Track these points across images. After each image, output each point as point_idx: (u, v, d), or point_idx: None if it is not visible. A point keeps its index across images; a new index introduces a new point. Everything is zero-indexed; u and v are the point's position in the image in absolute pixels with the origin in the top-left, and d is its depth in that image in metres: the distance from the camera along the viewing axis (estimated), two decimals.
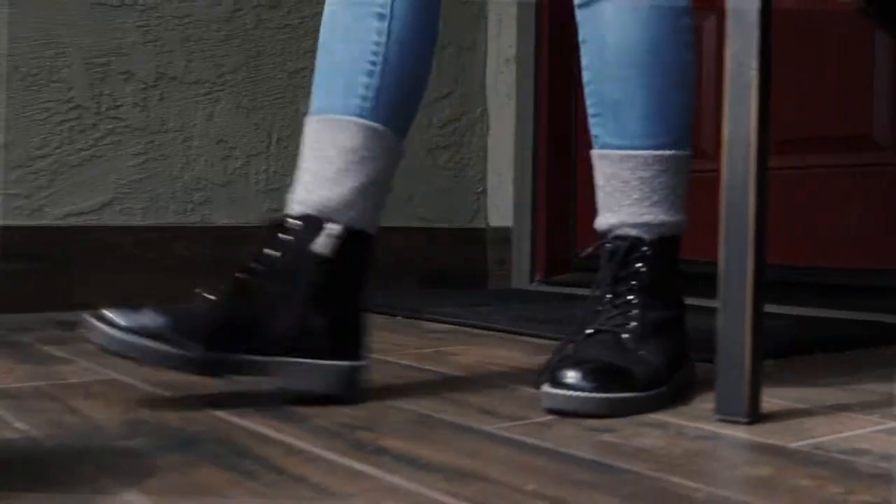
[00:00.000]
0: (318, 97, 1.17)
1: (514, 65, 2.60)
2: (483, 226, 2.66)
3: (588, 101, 1.19)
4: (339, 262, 1.09)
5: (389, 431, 0.94)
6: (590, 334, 1.11)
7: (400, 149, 1.17)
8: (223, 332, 1.04)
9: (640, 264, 1.13)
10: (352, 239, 1.10)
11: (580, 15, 1.17)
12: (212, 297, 1.07)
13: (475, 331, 1.74)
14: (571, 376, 1.02)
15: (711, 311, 1.02)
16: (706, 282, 2.12)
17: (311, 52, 2.33)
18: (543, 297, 2.28)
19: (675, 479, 0.77)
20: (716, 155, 2.24)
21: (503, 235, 2.63)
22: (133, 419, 0.98)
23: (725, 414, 0.98)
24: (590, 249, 1.24)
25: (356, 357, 1.10)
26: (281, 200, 2.24)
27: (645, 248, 1.13)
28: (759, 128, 0.97)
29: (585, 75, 1.18)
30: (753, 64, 0.97)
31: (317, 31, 1.19)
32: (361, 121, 1.12)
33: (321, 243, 1.09)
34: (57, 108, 1.99)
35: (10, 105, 1.95)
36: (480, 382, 1.22)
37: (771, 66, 0.98)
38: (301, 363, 1.07)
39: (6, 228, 1.93)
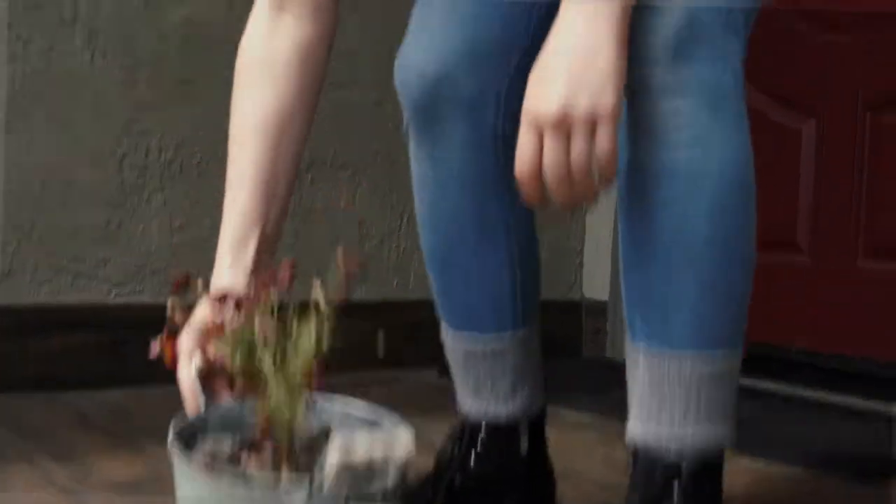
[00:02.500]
0: (459, 315, 1.17)
1: None
2: (578, 298, 2.81)
3: (625, 286, 1.02)
4: (531, 451, 1.18)
5: None
6: None
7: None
8: None
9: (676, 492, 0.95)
10: (535, 423, 1.19)
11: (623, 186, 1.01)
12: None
13: None
14: None
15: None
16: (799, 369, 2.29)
17: None
18: None
19: None
20: (809, 250, 2.42)
21: (599, 308, 2.78)
22: None
23: None
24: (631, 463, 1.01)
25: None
26: (408, 278, 2.38)
27: (682, 475, 0.95)
28: None
29: (623, 261, 1.02)
30: None
31: None
32: (517, 332, 1.16)
33: (522, 444, 1.16)
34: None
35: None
36: None
37: None
38: None
39: None
